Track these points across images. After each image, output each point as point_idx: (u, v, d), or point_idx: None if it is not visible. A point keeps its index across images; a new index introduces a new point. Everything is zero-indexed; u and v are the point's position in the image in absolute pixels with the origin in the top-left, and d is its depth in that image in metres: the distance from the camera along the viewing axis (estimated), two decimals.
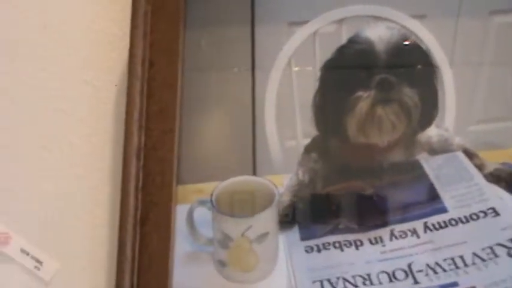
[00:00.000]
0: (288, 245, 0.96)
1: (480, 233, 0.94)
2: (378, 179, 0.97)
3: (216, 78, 1.01)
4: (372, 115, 0.97)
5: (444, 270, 0.93)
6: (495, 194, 0.96)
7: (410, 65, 0.99)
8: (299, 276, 0.94)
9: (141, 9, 0.98)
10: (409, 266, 0.93)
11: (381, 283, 0.93)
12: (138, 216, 0.95)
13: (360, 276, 0.93)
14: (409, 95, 0.97)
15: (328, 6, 1.00)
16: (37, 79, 1.04)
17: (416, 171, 0.98)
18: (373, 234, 0.96)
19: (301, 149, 1.00)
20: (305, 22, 1.00)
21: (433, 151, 0.99)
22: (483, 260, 0.92)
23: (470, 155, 0.99)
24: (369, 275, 0.93)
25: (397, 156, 0.98)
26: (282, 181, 0.98)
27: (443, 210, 0.97)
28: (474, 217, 0.95)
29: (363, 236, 0.96)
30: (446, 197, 0.97)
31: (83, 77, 1.03)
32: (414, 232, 0.96)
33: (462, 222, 0.96)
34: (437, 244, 0.94)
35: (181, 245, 0.96)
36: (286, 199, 0.97)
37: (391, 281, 0.92)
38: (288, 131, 0.99)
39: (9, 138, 1.03)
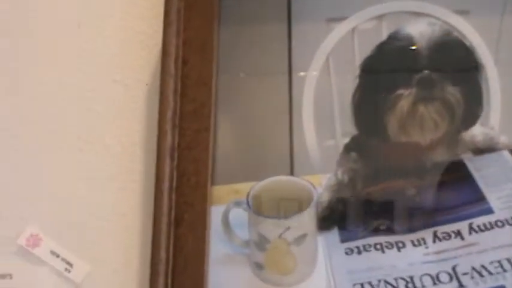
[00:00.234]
0: (327, 247, 0.93)
1: None
2: (420, 179, 0.94)
3: (252, 77, 0.98)
4: (414, 113, 0.93)
5: (490, 273, 0.89)
6: None
7: (453, 62, 0.96)
8: (339, 279, 0.90)
9: (174, 6, 0.96)
10: (454, 268, 0.89)
11: (424, 286, 0.89)
12: (173, 218, 0.92)
13: (402, 278, 0.89)
14: (452, 92, 0.93)
15: (367, 2, 0.97)
16: (71, 79, 1.01)
17: (460, 171, 0.95)
18: (415, 235, 0.92)
19: (340, 148, 0.96)
20: (344, 18, 0.98)
21: (478, 150, 0.96)
22: None
23: None
24: (411, 277, 0.89)
25: (440, 155, 0.94)
26: (320, 181, 0.95)
27: (489, 211, 0.93)
28: None
29: (405, 238, 0.92)
30: (492, 198, 0.93)
31: (114, 76, 1.01)
32: (458, 234, 0.92)
33: (509, 224, 0.92)
34: (483, 246, 0.91)
35: (216, 247, 0.93)
36: (325, 200, 0.94)
37: (434, 283, 0.89)
38: (326, 130, 0.96)
39: (43, 140, 1.01)
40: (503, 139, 0.97)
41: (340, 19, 0.98)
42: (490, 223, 0.93)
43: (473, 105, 0.95)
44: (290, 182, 0.94)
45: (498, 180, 0.95)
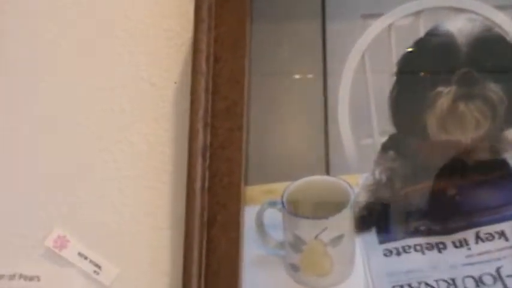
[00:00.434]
0: (365, 249, 0.90)
1: None
2: (461, 178, 0.90)
3: (285, 75, 0.95)
4: (454, 111, 0.90)
5: None
6: None
7: (495, 58, 0.93)
8: (377, 282, 0.88)
9: (206, 2, 0.94)
10: (498, 270, 0.86)
11: None
12: (205, 219, 0.89)
13: (444, 281, 0.86)
14: (494, 90, 0.91)
15: None
16: (97, 78, 1.00)
17: (503, 170, 0.91)
18: (457, 236, 0.89)
19: (378, 147, 0.93)
20: (380, 15, 0.95)
21: None
22: None
23: None
24: (453, 279, 0.86)
25: (482, 154, 0.91)
26: (357, 181, 0.92)
27: None
28: None
29: (446, 239, 0.89)
30: None
31: (141, 74, 0.99)
32: (502, 234, 0.88)
33: None
34: None
35: (250, 248, 0.90)
36: (362, 200, 0.91)
37: (477, 286, 0.86)
38: (363, 129, 0.93)
39: (70, 140, 1.00)
40: None
41: (376, 15, 0.96)
42: None
43: None
44: (326, 182, 0.91)
45: None
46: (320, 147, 0.94)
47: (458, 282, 0.87)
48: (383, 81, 0.94)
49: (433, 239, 0.90)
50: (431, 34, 0.94)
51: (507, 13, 0.94)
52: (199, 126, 0.92)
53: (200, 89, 0.93)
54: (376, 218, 0.92)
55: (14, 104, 1.02)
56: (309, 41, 0.96)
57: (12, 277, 0.95)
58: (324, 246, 0.89)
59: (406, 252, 0.90)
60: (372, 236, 0.91)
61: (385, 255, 0.90)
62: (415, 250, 0.90)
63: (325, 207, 0.90)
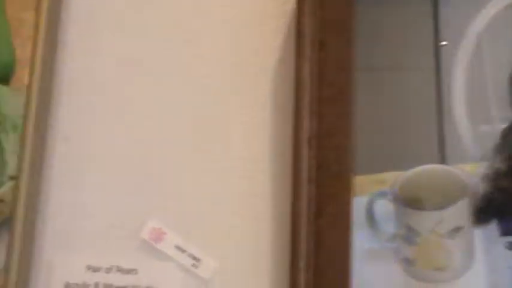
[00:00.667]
0: (485, 241, 0.84)
1: None
2: None
3: (396, 60, 0.91)
4: None
5: None
6: None
7: None
8: (499, 275, 0.82)
9: None
10: None
11: None
12: (312, 210, 0.85)
13: None
14: None
15: None
16: (188, 65, 0.98)
17: None
18: None
19: (497, 134, 0.87)
20: None
21: None
22: None
23: None
24: None
25: None
26: (475, 170, 0.86)
27: None
28: None
29: None
30: None
31: (233, 60, 0.97)
32: None
33: None
34: None
35: (359, 241, 0.85)
36: (481, 190, 0.85)
37: None
38: (480, 114, 0.88)
39: (164, 130, 0.97)
40: None
41: None
42: None
43: None
44: (442, 171, 0.87)
45: None
46: (434, 135, 0.90)
47: None
48: (501, 63, 0.88)
49: None
50: None
51: None
52: (305, 113, 0.88)
53: (305, 75, 0.89)
54: (496, 209, 0.86)
55: (111, 98, 0.99)
56: (419, 23, 0.91)
57: (109, 270, 0.92)
58: (440, 239, 0.84)
59: None
60: (492, 228, 0.86)
61: (507, 248, 0.84)
62: None
63: (441, 197, 0.85)
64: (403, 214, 0.86)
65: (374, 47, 0.92)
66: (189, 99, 0.97)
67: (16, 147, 0.93)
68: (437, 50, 0.91)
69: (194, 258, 0.93)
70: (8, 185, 0.93)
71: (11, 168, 0.93)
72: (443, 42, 0.92)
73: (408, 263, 0.86)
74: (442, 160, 0.89)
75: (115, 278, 0.92)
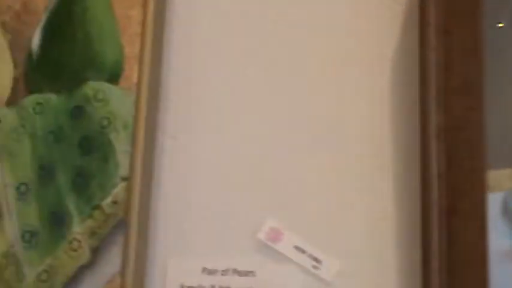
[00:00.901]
0: None
1: None
2: None
3: None
4: None
5: None
6: None
7: None
8: None
9: None
10: None
11: None
12: (444, 208, 0.80)
13: None
14: None
15: None
16: (299, 58, 0.95)
17: None
18: None
19: None
20: None
21: None
22: None
23: None
24: None
25: None
26: None
27: None
28: None
29: None
30: None
31: (350, 53, 0.93)
32: None
33: None
34: None
35: (495, 240, 0.79)
36: None
37: None
38: None
39: (275, 126, 0.94)
40: None
41: None
42: None
43: None
44: None
45: None
46: None
47: None
48: None
49: None
50: None
51: None
52: (432, 105, 0.83)
53: (431, 65, 0.84)
54: None
55: (221, 95, 0.97)
56: None
57: (225, 272, 0.89)
58: None
59: None
60: None
61: None
62: None
63: None
64: None
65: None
66: (305, 94, 0.94)
67: (127, 147, 0.91)
68: None
69: (315, 259, 0.89)
70: (121, 186, 0.91)
71: (122, 168, 0.91)
72: None
73: None
74: None
75: (231, 281, 0.89)
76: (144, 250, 0.91)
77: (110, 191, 0.91)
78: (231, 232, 0.92)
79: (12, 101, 0.96)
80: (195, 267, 0.91)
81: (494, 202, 0.82)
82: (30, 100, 0.97)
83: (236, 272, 0.89)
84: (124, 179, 0.91)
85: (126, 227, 0.90)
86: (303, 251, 0.89)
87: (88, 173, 0.92)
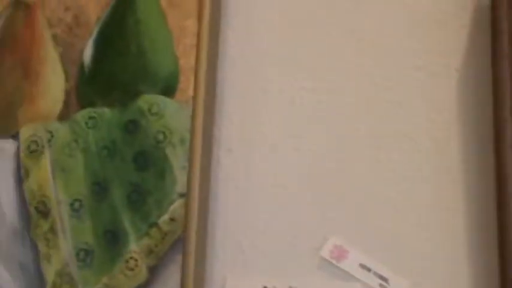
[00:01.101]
0: None
1: None
2: None
3: None
4: None
5: None
6: None
7: None
8: None
9: None
10: None
11: None
12: None
13: None
14: None
15: None
16: (363, 68, 0.91)
17: None
18: None
19: None
20: None
21: None
22: None
23: None
24: None
25: None
26: None
27: None
28: None
29: None
30: None
31: (416, 62, 0.90)
32: None
33: None
34: None
35: None
36: None
37: None
38: None
39: (337, 138, 0.91)
40: None
41: None
42: None
43: None
44: None
45: None
46: None
47: None
48: None
49: None
50: None
51: None
52: (507, 115, 0.79)
53: (505, 74, 0.80)
54: None
55: (276, 106, 0.95)
56: None
57: None
58: None
59: None
60: None
61: None
62: None
63: None
64: None
65: None
66: (369, 106, 0.90)
67: (184, 162, 0.88)
68: None
69: (382, 277, 0.86)
70: (178, 202, 0.88)
71: (180, 184, 0.88)
72: None
73: None
74: None
75: None
76: (202, 268, 0.88)
77: (167, 208, 0.88)
78: (293, 249, 0.89)
79: (64, 115, 0.94)
80: (254, 286, 0.88)
81: None
82: (82, 114, 0.94)
83: None
84: (181, 195, 0.88)
85: (184, 245, 0.87)
86: (369, 269, 0.86)
87: (144, 189, 0.89)
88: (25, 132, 0.94)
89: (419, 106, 0.89)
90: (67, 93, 0.95)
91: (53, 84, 0.95)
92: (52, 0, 0.97)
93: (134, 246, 0.88)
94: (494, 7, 0.83)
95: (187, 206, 0.88)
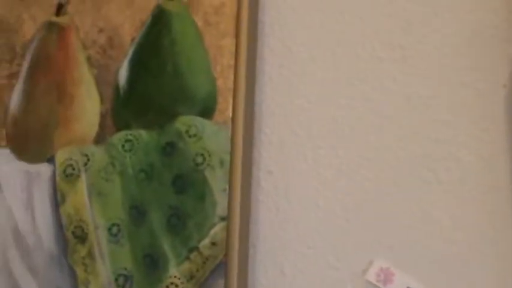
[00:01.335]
0: None
1: None
2: None
3: None
4: None
5: None
6: None
7: None
8: None
9: None
10: None
11: None
12: None
13: None
14: None
15: None
16: (409, 86, 0.89)
17: None
18: None
19: None
20: None
21: None
22: None
23: None
24: None
25: None
26: None
27: None
28: None
29: None
30: None
31: (463, 79, 0.88)
32: None
33: None
34: None
35: None
36: None
37: None
38: None
39: (382, 158, 0.89)
40: None
41: None
42: None
43: None
44: None
45: None
46: None
47: None
48: None
49: None
50: None
51: None
52: None
53: None
54: None
55: (315, 127, 0.93)
56: None
57: None
58: None
59: None
60: None
61: None
62: None
63: None
64: None
65: None
66: (415, 125, 0.88)
67: (224, 185, 0.86)
68: None
69: None
70: (219, 226, 0.86)
71: (220, 207, 0.86)
72: None
73: None
74: None
75: None
76: None
77: (207, 232, 0.86)
78: (336, 273, 0.87)
79: (100, 138, 0.92)
80: None
81: None
82: (119, 137, 0.92)
83: None
84: (222, 218, 0.86)
85: (226, 270, 0.85)
86: None
87: (184, 212, 0.87)
88: (61, 156, 0.92)
89: (465, 123, 0.87)
90: (102, 116, 0.93)
91: (88, 106, 0.93)
92: (86, 22, 0.95)
93: (174, 271, 0.86)
94: None
95: (228, 230, 0.86)
